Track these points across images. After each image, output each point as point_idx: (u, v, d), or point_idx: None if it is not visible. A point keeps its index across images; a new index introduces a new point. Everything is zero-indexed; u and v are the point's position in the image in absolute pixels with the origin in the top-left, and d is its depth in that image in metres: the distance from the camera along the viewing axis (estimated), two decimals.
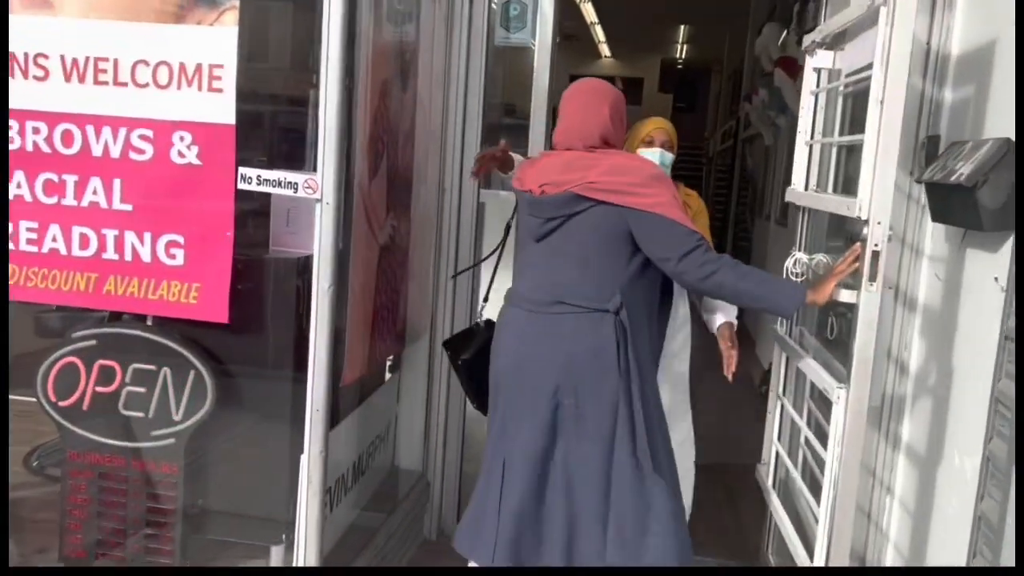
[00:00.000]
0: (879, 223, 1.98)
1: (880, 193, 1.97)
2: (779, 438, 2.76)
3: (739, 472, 3.79)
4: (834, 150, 2.75)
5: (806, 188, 2.63)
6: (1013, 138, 1.83)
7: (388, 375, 3.28)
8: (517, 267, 2.44)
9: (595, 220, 2.20)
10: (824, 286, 2.12)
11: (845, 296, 2.13)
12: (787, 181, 2.74)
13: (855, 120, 2.68)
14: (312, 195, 2.15)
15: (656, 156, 2.71)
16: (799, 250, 2.68)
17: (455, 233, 3.31)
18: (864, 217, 2.00)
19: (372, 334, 2.63)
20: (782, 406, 2.74)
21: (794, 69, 5.36)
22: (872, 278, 2.00)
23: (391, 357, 3.13)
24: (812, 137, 2.62)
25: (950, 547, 2.01)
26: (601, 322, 2.19)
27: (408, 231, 2.95)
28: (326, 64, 2.10)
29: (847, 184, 2.65)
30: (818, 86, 2.61)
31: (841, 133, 2.80)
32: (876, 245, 1.98)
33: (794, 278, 2.47)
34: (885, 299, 2.22)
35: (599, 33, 14.06)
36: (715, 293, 2.30)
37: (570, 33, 14.14)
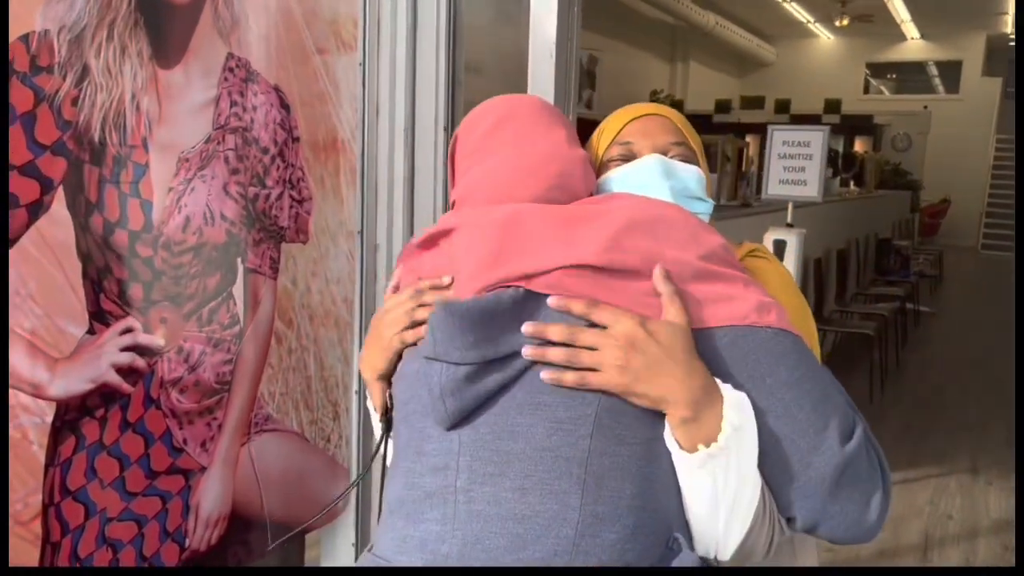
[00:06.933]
0: None
1: None
2: None
3: None
4: None
5: None
6: None
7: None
8: (401, 507, 0.85)
9: None
10: None
11: None
12: None
13: None
14: None
15: (649, 173, 1.01)
16: None
17: None
18: None
19: None
20: None
21: None
22: None
23: None
24: None
25: None
26: None
27: (236, 344, 1.41)
28: None
29: None
30: None
31: None
32: None
33: None
34: None
35: (899, 11, 11.51)
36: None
37: (863, 14, 11.72)
